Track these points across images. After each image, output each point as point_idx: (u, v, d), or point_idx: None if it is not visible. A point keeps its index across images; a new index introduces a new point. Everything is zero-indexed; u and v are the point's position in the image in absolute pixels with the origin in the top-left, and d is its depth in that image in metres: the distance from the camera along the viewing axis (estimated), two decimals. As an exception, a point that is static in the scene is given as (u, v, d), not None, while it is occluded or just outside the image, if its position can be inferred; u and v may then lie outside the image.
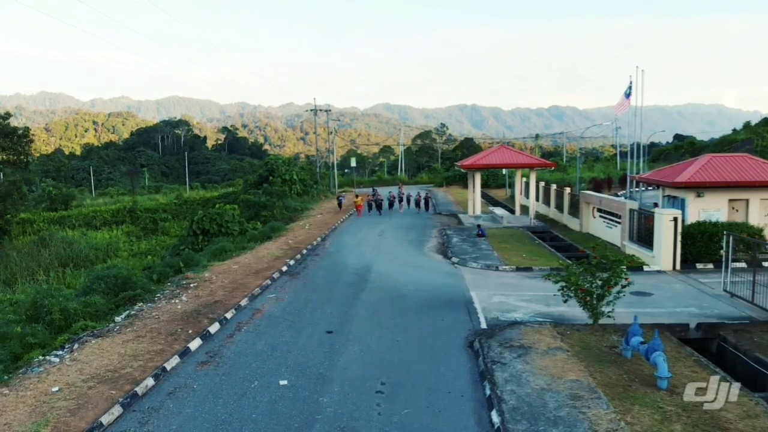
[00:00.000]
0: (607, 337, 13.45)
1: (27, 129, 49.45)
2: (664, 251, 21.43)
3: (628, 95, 29.10)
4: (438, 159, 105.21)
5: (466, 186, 49.35)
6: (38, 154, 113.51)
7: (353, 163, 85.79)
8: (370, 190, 68.31)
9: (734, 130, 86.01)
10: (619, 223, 26.62)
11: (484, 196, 50.86)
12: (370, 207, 43.65)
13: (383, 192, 50.44)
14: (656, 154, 77.80)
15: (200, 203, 59.15)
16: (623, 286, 13.66)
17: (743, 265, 18.17)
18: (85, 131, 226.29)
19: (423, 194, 46.42)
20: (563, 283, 14.01)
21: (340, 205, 45.20)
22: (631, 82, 28.84)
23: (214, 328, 14.83)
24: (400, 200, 46.50)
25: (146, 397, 10.73)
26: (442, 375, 11.77)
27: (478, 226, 31.48)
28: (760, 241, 21.04)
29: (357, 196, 44.88)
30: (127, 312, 16.07)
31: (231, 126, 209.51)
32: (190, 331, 14.26)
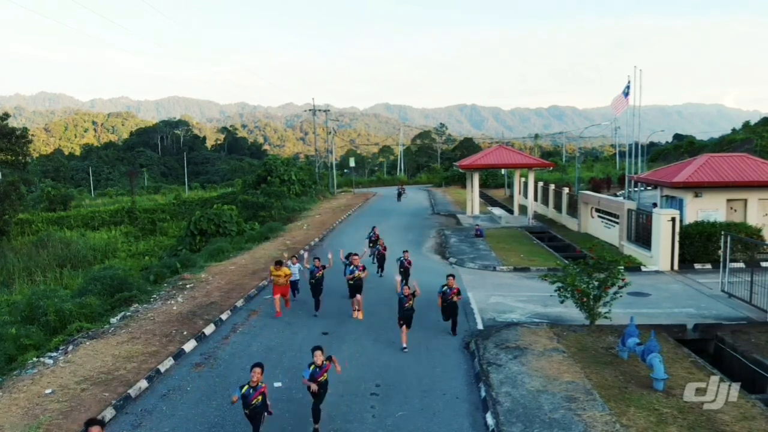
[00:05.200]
0: (604, 338, 13.39)
1: (26, 129, 49.32)
2: (662, 251, 21.37)
3: (626, 95, 29.03)
4: (437, 159, 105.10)
5: (464, 186, 49.28)
6: (37, 155, 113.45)
7: (352, 163, 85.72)
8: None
9: (734, 130, 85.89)
10: (617, 223, 26.55)
11: (482, 196, 50.79)
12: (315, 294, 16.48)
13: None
14: (655, 153, 77.65)
15: (199, 204, 59.02)
16: (620, 287, 13.62)
17: (741, 265, 18.10)
18: (85, 131, 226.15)
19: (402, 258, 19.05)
20: (560, 284, 13.98)
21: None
22: (629, 82, 28.79)
23: (209, 329, 14.78)
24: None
25: (139, 400, 10.67)
26: (437, 376, 11.71)
27: (477, 226, 31.42)
28: (758, 242, 21.00)
29: (278, 265, 16.30)
30: (123, 313, 16.00)
31: (230, 126, 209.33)
32: (185, 333, 14.20)
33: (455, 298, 14.15)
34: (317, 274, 16.39)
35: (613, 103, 29.80)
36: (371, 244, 22.73)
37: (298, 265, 17.76)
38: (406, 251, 19.06)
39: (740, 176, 24.24)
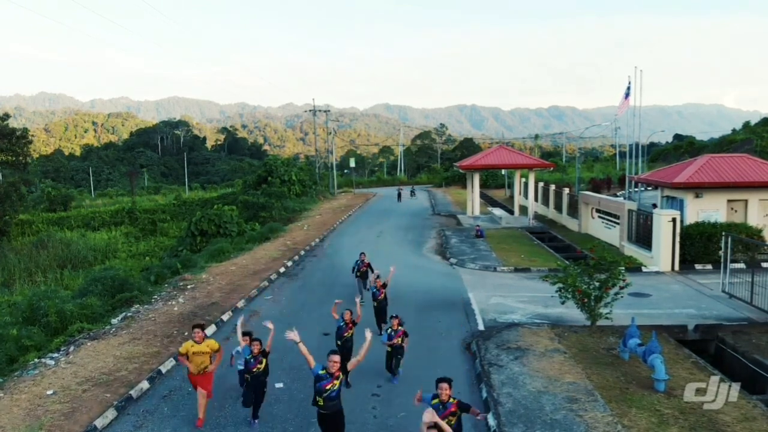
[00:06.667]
0: (605, 339, 13.40)
1: (26, 130, 49.31)
2: (663, 252, 21.37)
3: (627, 96, 29.07)
4: (437, 159, 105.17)
5: (465, 186, 49.29)
6: (37, 155, 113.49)
7: (352, 164, 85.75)
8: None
9: (734, 130, 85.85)
10: (617, 223, 26.56)
11: (483, 196, 50.81)
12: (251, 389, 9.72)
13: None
14: (656, 154, 77.63)
15: (199, 204, 59.01)
16: (621, 288, 13.62)
17: (742, 265, 18.09)
18: (85, 132, 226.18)
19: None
20: (561, 285, 13.97)
21: None
22: (629, 83, 28.81)
23: (210, 330, 14.78)
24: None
25: (141, 400, 10.68)
26: (438, 377, 11.67)
27: (477, 226, 31.42)
28: (759, 242, 21.02)
29: (197, 330, 9.88)
30: (124, 314, 16.02)
31: (230, 126, 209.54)
32: (186, 333, 14.18)
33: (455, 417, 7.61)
34: (253, 368, 9.57)
35: (619, 107, 29.85)
36: (359, 274, 17.46)
37: (246, 346, 10.07)
38: (396, 316, 11.80)
39: (741, 177, 24.24)
